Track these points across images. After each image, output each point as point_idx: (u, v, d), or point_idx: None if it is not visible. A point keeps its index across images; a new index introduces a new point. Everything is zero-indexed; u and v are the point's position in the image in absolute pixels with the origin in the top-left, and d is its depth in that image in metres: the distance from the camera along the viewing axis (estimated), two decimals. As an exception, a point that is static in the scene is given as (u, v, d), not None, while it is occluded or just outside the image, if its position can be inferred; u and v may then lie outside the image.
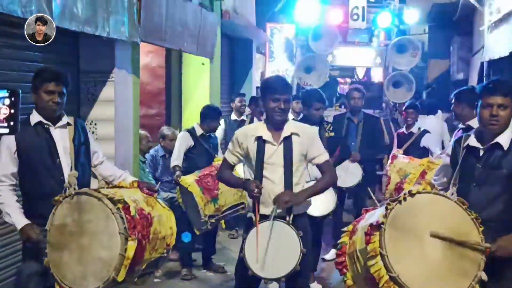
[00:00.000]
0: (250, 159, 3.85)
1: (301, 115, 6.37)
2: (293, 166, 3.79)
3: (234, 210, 5.58)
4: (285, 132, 3.82)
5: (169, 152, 6.59)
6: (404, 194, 3.21)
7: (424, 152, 6.71)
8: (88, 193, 3.34)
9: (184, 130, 6.42)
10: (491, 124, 3.33)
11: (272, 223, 3.67)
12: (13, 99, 2.69)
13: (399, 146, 7.00)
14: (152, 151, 6.77)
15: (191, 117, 8.21)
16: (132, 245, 3.22)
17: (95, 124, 5.47)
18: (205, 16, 7.94)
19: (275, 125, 3.84)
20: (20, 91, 2.76)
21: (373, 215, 3.29)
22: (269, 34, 13.28)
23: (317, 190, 3.93)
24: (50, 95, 3.50)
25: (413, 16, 12.30)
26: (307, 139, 3.85)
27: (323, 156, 3.90)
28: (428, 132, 7.03)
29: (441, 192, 3.33)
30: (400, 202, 3.18)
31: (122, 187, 3.62)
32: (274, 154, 3.80)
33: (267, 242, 3.64)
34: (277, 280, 3.72)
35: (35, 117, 3.55)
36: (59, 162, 3.55)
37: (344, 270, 3.39)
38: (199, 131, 6.16)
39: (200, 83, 8.63)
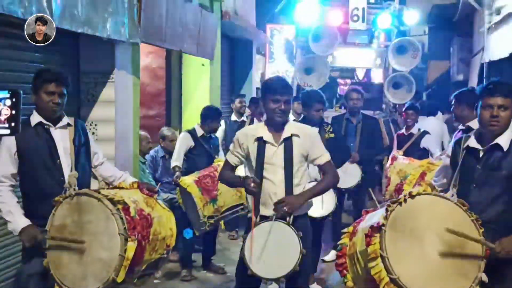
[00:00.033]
0: (250, 160, 3.86)
1: (302, 116, 6.37)
2: (293, 167, 3.79)
3: (233, 211, 5.58)
4: (286, 133, 3.82)
5: (169, 153, 6.60)
6: (404, 195, 3.21)
7: (424, 153, 6.71)
8: (88, 194, 3.34)
9: (184, 131, 6.42)
10: (491, 125, 3.33)
11: (272, 223, 3.67)
12: (14, 100, 2.68)
13: (399, 147, 7.00)
14: (152, 152, 6.77)
15: (191, 118, 8.21)
16: (131, 246, 3.22)
17: (95, 125, 5.47)
18: (205, 17, 7.95)
19: (276, 126, 3.84)
20: (21, 92, 2.75)
21: (374, 217, 3.29)
22: (269, 35, 13.29)
23: (319, 190, 3.93)
24: (51, 96, 3.51)
25: (413, 17, 12.28)
26: (307, 140, 3.85)
27: (324, 156, 3.90)
28: (428, 133, 7.03)
29: (441, 194, 3.33)
30: (400, 204, 3.18)
31: (122, 188, 3.62)
32: (274, 155, 3.80)
33: (267, 243, 3.65)
34: (276, 280, 3.72)
35: (35, 118, 3.55)
36: (59, 163, 3.55)
37: (345, 271, 3.39)
38: (199, 132, 6.17)
39: (200, 84, 8.64)
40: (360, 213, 3.57)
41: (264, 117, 5.14)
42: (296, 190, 3.78)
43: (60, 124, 3.61)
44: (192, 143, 6.09)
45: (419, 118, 7.38)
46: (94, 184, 3.81)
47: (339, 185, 5.57)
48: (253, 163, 3.83)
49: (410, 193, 3.22)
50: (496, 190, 3.31)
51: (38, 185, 3.51)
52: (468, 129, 4.54)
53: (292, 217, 3.69)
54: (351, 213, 7.41)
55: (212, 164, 5.85)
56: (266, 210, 3.77)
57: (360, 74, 15.60)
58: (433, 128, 7.71)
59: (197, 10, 7.64)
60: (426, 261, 3.07)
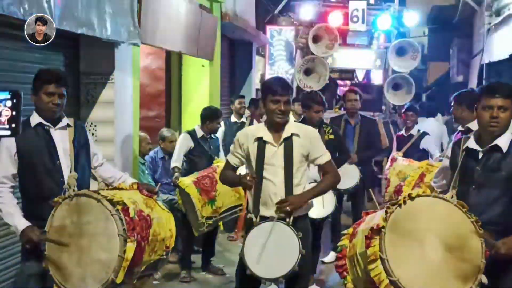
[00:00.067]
0: (250, 160, 3.86)
1: (302, 117, 6.37)
2: (293, 167, 3.79)
3: (231, 212, 5.58)
4: (286, 133, 3.82)
5: (168, 154, 6.60)
6: (404, 197, 3.20)
7: (424, 155, 6.72)
8: (88, 195, 3.33)
9: (184, 132, 6.43)
10: (491, 126, 3.33)
11: (272, 224, 3.67)
12: (15, 101, 2.67)
13: (398, 149, 7.01)
14: (151, 153, 6.76)
15: (190, 119, 8.22)
16: (131, 247, 3.21)
17: (95, 126, 5.47)
18: (205, 18, 7.95)
19: (276, 126, 3.84)
20: (22, 93, 2.75)
21: (374, 218, 3.29)
22: (269, 36, 13.31)
23: (320, 190, 3.94)
24: (50, 96, 3.50)
25: (413, 18, 12.30)
26: (308, 139, 3.85)
27: (325, 156, 3.90)
28: (427, 134, 7.04)
29: (441, 195, 3.32)
30: (400, 205, 3.17)
31: (121, 189, 3.62)
32: (274, 155, 3.80)
33: (267, 243, 3.65)
34: (275, 280, 3.72)
35: (35, 119, 3.55)
36: (59, 164, 3.55)
37: (345, 273, 3.39)
38: (199, 133, 6.17)
39: (200, 85, 8.64)
40: (359, 214, 3.57)
41: (264, 118, 5.14)
42: (296, 190, 3.78)
43: (60, 125, 3.61)
44: (192, 144, 6.09)
45: (418, 120, 7.39)
46: (93, 185, 3.80)
47: (337, 186, 5.59)
48: (253, 164, 3.83)
49: (409, 195, 3.22)
50: (495, 192, 3.30)
51: (37, 186, 3.51)
52: (468, 131, 4.54)
53: (292, 218, 3.70)
54: (349, 214, 7.41)
55: (212, 165, 5.85)
56: (266, 211, 3.77)
57: (360, 75, 15.60)
58: (432, 129, 7.73)
59: (197, 11, 7.64)
60: (426, 263, 3.07)
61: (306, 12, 12.09)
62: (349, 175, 6.35)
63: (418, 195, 3.22)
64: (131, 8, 5.42)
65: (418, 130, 7.07)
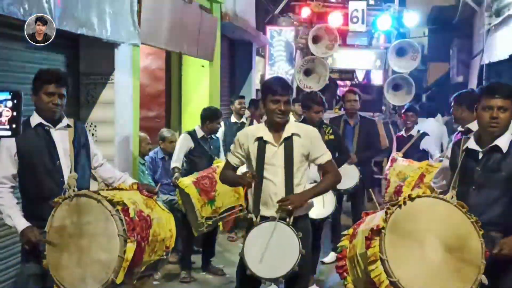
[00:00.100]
0: (250, 160, 3.86)
1: (302, 118, 6.37)
2: (294, 167, 3.79)
3: (231, 212, 5.58)
4: (286, 133, 3.82)
5: (168, 154, 6.60)
6: (404, 198, 3.20)
7: (424, 155, 6.72)
8: (87, 195, 3.33)
9: (185, 132, 6.43)
10: (491, 126, 3.34)
11: (272, 224, 3.67)
12: (15, 101, 2.66)
13: (398, 149, 7.01)
14: (151, 153, 6.77)
15: (190, 119, 8.22)
16: (131, 247, 3.21)
17: (95, 126, 5.48)
18: (205, 18, 7.95)
19: (276, 126, 3.84)
20: (22, 93, 2.75)
21: (374, 219, 3.29)
22: (269, 36, 13.31)
23: (321, 189, 3.94)
24: (51, 96, 3.50)
25: (413, 19, 12.30)
26: (308, 139, 3.85)
27: (326, 156, 3.90)
28: (427, 135, 7.04)
29: (441, 196, 3.32)
30: (400, 206, 3.17)
31: (121, 189, 3.62)
32: (274, 155, 3.80)
33: (267, 243, 3.65)
34: (275, 280, 3.72)
35: (35, 119, 3.55)
36: (59, 164, 3.55)
37: (345, 274, 3.39)
38: (200, 133, 6.18)
39: (199, 85, 8.64)
40: (359, 215, 3.57)
41: (264, 118, 5.14)
42: (297, 190, 3.78)
43: (60, 125, 3.61)
44: (192, 145, 6.10)
45: (418, 120, 7.40)
46: (93, 185, 3.81)
47: (337, 187, 5.59)
48: (254, 164, 3.83)
49: (409, 196, 3.22)
50: (495, 192, 3.31)
51: (37, 186, 3.51)
52: (468, 131, 4.54)
53: (292, 217, 3.70)
54: (349, 214, 7.41)
55: (212, 165, 5.85)
56: (267, 211, 3.77)
57: (360, 76, 15.60)
58: (432, 130, 7.73)
59: (197, 12, 7.64)
60: (426, 264, 3.07)
61: (307, 12, 12.10)
62: (349, 176, 6.34)
63: (418, 196, 3.22)
64: (131, 8, 5.42)
65: (418, 131, 7.07)
